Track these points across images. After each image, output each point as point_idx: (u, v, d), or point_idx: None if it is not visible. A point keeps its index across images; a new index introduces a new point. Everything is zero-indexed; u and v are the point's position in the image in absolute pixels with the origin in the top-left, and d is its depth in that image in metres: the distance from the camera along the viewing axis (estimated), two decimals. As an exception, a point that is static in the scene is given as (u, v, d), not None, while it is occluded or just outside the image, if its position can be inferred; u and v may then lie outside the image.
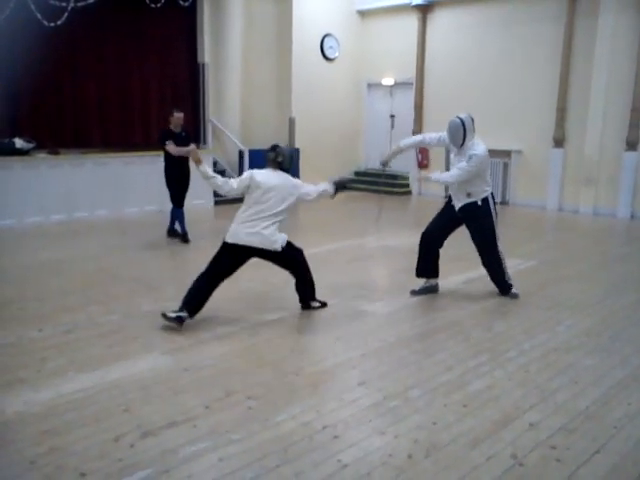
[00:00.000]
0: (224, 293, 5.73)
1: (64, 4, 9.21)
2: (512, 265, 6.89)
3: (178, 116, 7.70)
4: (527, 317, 5.20)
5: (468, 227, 5.70)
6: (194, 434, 3.19)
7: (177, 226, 8.07)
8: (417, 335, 4.74)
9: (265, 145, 12.78)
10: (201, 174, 5.00)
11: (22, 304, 5.34)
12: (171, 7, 10.26)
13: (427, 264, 5.79)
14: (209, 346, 4.43)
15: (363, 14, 13.52)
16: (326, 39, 12.93)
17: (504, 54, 11.52)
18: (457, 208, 5.63)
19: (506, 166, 11.67)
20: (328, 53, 13.02)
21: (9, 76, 9.49)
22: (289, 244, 5.02)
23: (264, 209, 4.84)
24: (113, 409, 3.45)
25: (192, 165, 7.92)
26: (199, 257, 7.22)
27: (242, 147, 11.89)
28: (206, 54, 11.70)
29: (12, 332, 4.63)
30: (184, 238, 7.99)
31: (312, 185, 5.22)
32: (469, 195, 5.53)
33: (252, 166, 11.68)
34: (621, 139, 10.28)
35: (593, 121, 10.52)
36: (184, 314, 4.72)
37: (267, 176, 4.92)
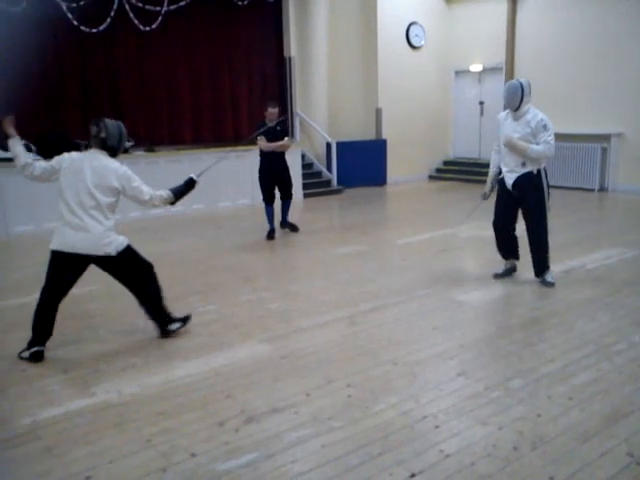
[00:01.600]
0: (319, 283, 5.83)
1: (158, 9, 9.60)
2: (616, 254, 6.62)
3: (272, 111, 7.79)
4: (634, 308, 4.93)
5: (522, 201, 5.50)
6: (296, 420, 3.26)
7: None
8: (516, 325, 4.61)
9: (352, 137, 12.85)
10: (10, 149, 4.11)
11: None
12: (257, 3, 10.47)
13: (506, 248, 5.80)
14: (306, 335, 4.50)
15: (449, 1, 13.22)
16: (412, 27, 12.75)
17: (600, 31, 10.91)
18: (512, 182, 5.46)
19: (604, 151, 11.08)
20: (414, 42, 12.84)
21: (111, 80, 10.03)
22: (129, 250, 4.25)
23: (88, 201, 4.01)
24: (217, 395, 3.59)
25: (288, 158, 8.11)
26: (291, 249, 7.40)
27: (329, 139, 11.96)
28: (292, 48, 11.84)
29: (124, 321, 4.89)
30: (292, 227, 8.23)
31: (148, 187, 4.34)
32: (524, 165, 5.40)
33: (340, 158, 11.80)
34: None
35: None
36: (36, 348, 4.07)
37: (82, 161, 4.07)
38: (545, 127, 5.26)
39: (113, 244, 4.11)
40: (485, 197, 5.79)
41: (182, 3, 9.83)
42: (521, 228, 5.66)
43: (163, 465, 2.88)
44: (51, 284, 4.10)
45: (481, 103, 13.06)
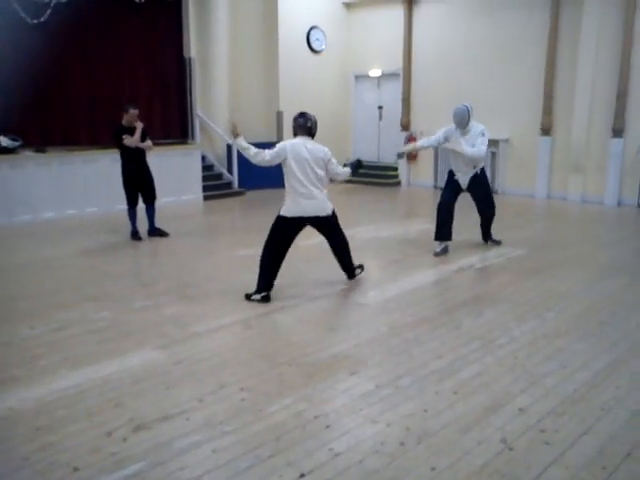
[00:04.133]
0: (217, 287, 5.78)
1: (47, 0, 9.15)
2: (504, 253, 7.02)
3: (134, 112, 7.60)
4: (518, 304, 5.24)
5: (474, 194, 7.14)
6: (188, 427, 3.21)
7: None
8: (408, 324, 4.77)
9: (253, 139, 12.79)
10: (237, 146, 5.44)
11: (14, 302, 5.34)
12: (156, 2, 10.22)
13: (448, 229, 6.94)
14: (202, 340, 4.45)
15: (349, 6, 13.49)
16: (312, 32, 12.89)
17: (490, 43, 11.53)
18: (465, 181, 7.01)
19: (494, 155, 11.69)
20: (315, 46, 12.99)
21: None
22: (334, 213, 5.52)
23: (313, 178, 5.24)
24: (105, 404, 3.47)
25: (154, 159, 7.99)
26: (189, 252, 7.27)
27: (230, 141, 11.85)
28: (192, 49, 11.64)
29: (4, 331, 4.63)
30: (160, 233, 8.01)
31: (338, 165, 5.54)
32: (474, 167, 6.96)
33: (241, 160, 11.71)
34: (608, 126, 10.33)
35: (580, 109, 10.56)
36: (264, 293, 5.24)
37: (300, 145, 5.26)
38: (482, 134, 6.72)
39: (330, 207, 5.41)
40: (399, 156, 7.30)
41: (73, -3, 9.41)
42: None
43: (42, 482, 2.75)
44: (277, 242, 5.32)
45: (380, 108, 13.41)
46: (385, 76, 13.27)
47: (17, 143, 9.16)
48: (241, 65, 12.43)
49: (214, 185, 11.47)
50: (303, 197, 5.22)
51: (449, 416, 3.32)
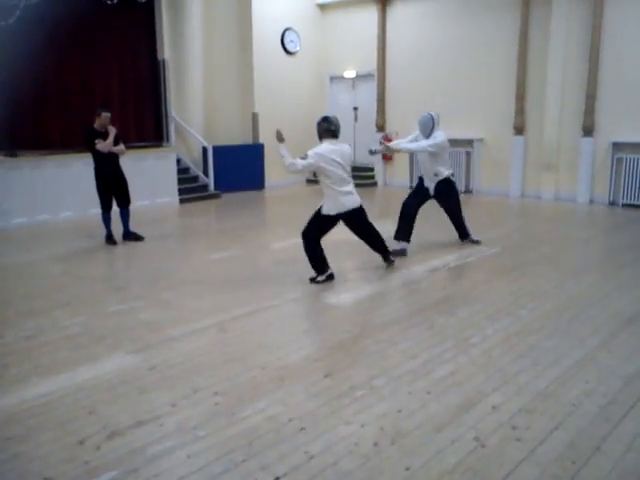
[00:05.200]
0: (192, 290, 5.75)
1: (15, 1, 9.01)
2: (477, 252, 7.09)
3: (106, 116, 7.53)
4: (490, 302, 5.30)
5: (441, 201, 7.25)
6: (161, 432, 3.20)
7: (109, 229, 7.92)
8: (381, 325, 4.80)
9: (229, 141, 12.77)
10: (279, 151, 5.67)
11: (-17, 310, 5.26)
12: (128, 4, 10.13)
13: (407, 229, 7.00)
14: (176, 344, 4.43)
15: (323, 7, 13.52)
16: (287, 33, 12.91)
17: (463, 44, 11.65)
18: (431, 189, 7.09)
19: (468, 155, 11.83)
20: (289, 47, 13.01)
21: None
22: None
23: (345, 175, 5.72)
24: (78, 412, 3.43)
25: (129, 163, 7.94)
26: (164, 256, 7.23)
27: (205, 144, 11.83)
28: (166, 51, 11.56)
29: (-27, 339, 4.56)
30: (136, 237, 7.95)
31: None
32: (436, 175, 7.01)
33: (217, 163, 11.69)
34: (578, 125, 10.50)
35: (551, 108, 10.72)
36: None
37: (331, 149, 5.64)
38: (433, 137, 6.82)
39: (359, 200, 5.87)
40: (371, 153, 7.21)
41: (43, -2, 9.28)
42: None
43: (12, 492, 2.72)
44: (320, 236, 5.85)
45: (355, 109, 13.46)
46: (360, 77, 13.33)
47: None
48: (216, 67, 12.40)
49: (190, 188, 11.42)
50: (343, 195, 5.75)
51: (422, 416, 3.34)
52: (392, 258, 6.33)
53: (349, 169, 5.80)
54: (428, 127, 6.85)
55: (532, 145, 11.15)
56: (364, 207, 5.95)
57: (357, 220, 5.92)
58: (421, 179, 7.25)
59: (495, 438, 3.11)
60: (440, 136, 6.84)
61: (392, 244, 6.79)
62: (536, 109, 10.95)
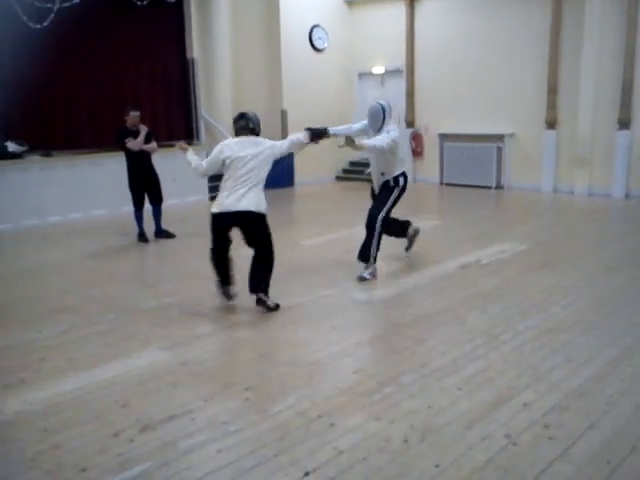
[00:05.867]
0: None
1: (49, 5, 9.19)
2: (509, 248, 6.99)
3: (135, 115, 7.64)
4: (522, 299, 5.23)
5: (375, 198, 6.06)
6: (192, 427, 3.23)
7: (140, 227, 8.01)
8: (411, 321, 4.77)
9: (258, 139, 12.80)
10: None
11: (21, 306, 5.38)
12: (157, 4, 10.24)
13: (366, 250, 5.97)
14: (206, 340, 4.47)
15: (351, 3, 13.47)
16: (315, 30, 12.89)
17: (493, 38, 11.48)
18: (377, 190, 6.05)
19: (499, 150, 11.67)
20: (317, 44, 12.99)
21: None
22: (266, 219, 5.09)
23: (246, 176, 4.88)
24: (112, 405, 3.50)
25: (159, 161, 8.02)
26: (195, 253, 7.29)
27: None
28: (195, 50, 11.67)
29: (11, 334, 4.67)
30: (167, 234, 8.03)
31: (284, 140, 5.37)
32: (383, 174, 5.91)
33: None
34: (613, 118, 10.26)
35: (584, 101, 10.50)
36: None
37: (240, 145, 4.95)
38: (387, 132, 5.60)
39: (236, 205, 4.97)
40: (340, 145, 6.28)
41: (76, 0, 9.44)
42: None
43: (49, 483, 2.78)
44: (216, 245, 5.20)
45: (384, 105, 13.38)
46: (388, 73, 13.25)
47: (23, 148, 9.22)
48: (244, 65, 12.46)
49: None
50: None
51: (453, 412, 3.32)
52: (270, 303, 5.02)
53: (262, 173, 4.97)
54: (378, 119, 5.69)
55: (564, 139, 10.94)
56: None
57: (252, 229, 5.08)
58: (372, 187, 6.23)
59: (527, 436, 3.07)
60: (394, 130, 5.69)
61: (407, 252, 6.61)
62: (569, 102, 10.73)
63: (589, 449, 2.95)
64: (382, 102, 5.79)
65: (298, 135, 5.34)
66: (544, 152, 11.15)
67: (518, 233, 7.72)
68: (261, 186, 4.99)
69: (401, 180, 5.92)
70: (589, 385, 3.61)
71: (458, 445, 3.00)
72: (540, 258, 6.61)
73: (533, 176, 11.35)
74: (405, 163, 6.06)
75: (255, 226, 5.00)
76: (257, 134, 5.09)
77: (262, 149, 4.98)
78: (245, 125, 5.04)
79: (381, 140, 5.55)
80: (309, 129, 5.36)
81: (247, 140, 4.99)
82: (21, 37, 9.27)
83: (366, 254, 5.89)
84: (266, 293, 5.02)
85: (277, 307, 5.03)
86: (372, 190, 6.21)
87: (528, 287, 5.57)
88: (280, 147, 5.16)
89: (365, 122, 5.96)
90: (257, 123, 5.12)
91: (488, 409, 3.34)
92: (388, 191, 5.90)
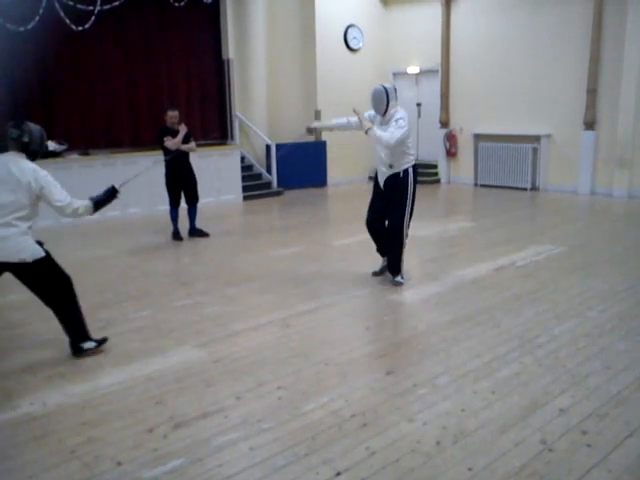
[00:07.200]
0: (255, 286, 5.84)
1: (91, 8, 9.39)
2: (544, 250, 6.88)
3: (172, 114, 7.76)
4: (558, 302, 5.15)
5: (386, 198, 5.69)
6: (226, 424, 3.27)
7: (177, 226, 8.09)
8: (446, 323, 4.74)
9: (292, 139, 12.89)
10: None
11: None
12: (194, 5, 10.38)
13: (381, 247, 5.96)
14: (240, 338, 4.51)
15: (386, 3, 13.43)
16: (350, 30, 12.88)
17: (530, 37, 11.31)
18: (382, 183, 5.71)
19: (535, 151, 11.49)
20: (352, 44, 12.98)
21: (41, 81, 9.75)
22: (48, 260, 4.10)
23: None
24: (147, 401, 3.56)
25: (193, 160, 8.09)
26: (228, 252, 7.37)
27: (269, 141, 11.96)
28: (230, 50, 11.78)
29: (50, 329, 4.77)
30: (201, 233, 8.12)
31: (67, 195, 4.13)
32: (391, 167, 5.58)
33: (280, 160, 11.80)
34: (655, 119, 10.03)
35: (626, 101, 10.26)
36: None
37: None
38: (397, 122, 5.33)
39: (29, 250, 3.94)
40: (309, 131, 6.39)
41: (116, 3, 9.63)
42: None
43: (87, 476, 2.84)
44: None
45: (418, 105, 13.30)
46: (423, 73, 13.17)
47: (63, 147, 9.45)
48: (279, 65, 12.52)
49: (253, 185, 11.58)
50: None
51: (486, 416, 3.29)
52: (88, 346, 4.22)
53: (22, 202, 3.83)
54: (382, 103, 5.41)
55: (603, 140, 10.71)
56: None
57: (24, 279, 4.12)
58: (375, 179, 5.91)
59: (563, 442, 3.02)
60: (403, 119, 5.35)
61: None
62: (608, 103, 10.51)
63: (628, 457, 2.89)
64: (385, 85, 5.58)
65: (87, 202, 4.40)
66: (582, 153, 10.94)
67: (554, 235, 7.59)
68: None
69: (411, 173, 5.57)
70: (628, 392, 3.53)
71: (492, 449, 2.97)
72: (576, 261, 6.49)
73: (570, 178, 11.15)
74: (413, 156, 5.66)
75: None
76: (33, 154, 3.96)
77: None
78: (18, 137, 3.87)
79: (389, 137, 5.27)
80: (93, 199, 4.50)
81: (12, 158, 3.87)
82: (64, 40, 9.51)
83: (397, 268, 5.75)
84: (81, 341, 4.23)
85: None
86: (376, 184, 5.85)
87: (564, 291, 5.48)
88: (60, 199, 4.02)
89: (371, 112, 5.70)
90: (38, 140, 3.97)
91: (522, 414, 3.30)
92: (400, 192, 5.56)
